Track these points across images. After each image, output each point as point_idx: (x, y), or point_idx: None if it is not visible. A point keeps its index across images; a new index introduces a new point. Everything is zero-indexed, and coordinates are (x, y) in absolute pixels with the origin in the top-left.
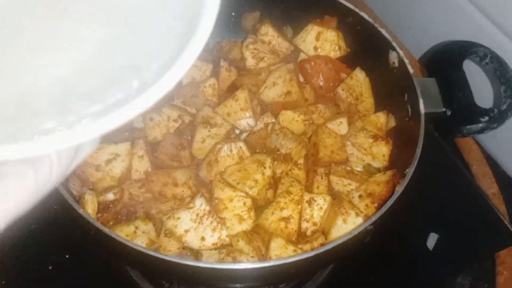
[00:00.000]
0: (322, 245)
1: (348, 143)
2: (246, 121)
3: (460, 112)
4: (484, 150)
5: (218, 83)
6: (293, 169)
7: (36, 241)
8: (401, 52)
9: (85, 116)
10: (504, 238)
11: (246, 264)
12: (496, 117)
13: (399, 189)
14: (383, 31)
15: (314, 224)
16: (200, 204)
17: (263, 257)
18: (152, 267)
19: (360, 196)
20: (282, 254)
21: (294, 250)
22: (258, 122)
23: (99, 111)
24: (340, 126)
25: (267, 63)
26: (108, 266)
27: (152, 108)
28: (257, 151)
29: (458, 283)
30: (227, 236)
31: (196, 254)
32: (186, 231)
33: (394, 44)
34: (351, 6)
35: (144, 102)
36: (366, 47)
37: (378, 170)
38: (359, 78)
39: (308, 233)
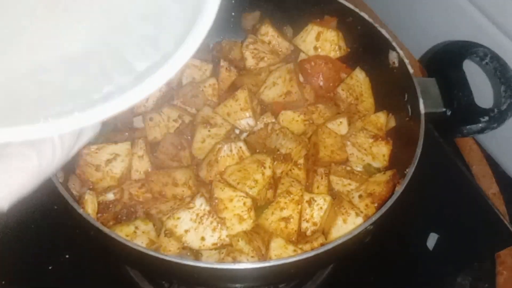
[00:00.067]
0: (322, 245)
1: (348, 143)
2: (246, 121)
3: (460, 112)
4: (484, 150)
5: (218, 83)
6: (293, 169)
7: (36, 241)
8: (401, 52)
9: (87, 102)
10: (504, 238)
11: (246, 264)
12: (496, 117)
13: (399, 189)
14: (383, 31)
15: (314, 224)
16: (200, 204)
17: (263, 257)
18: (152, 267)
19: (360, 196)
20: (282, 254)
21: (294, 250)
22: (258, 122)
23: (99, 98)
24: (340, 126)
25: (267, 63)
26: (108, 266)
27: (152, 108)
28: (257, 151)
29: (458, 283)
30: (227, 236)
31: (196, 254)
32: (186, 231)
33: (394, 44)
34: (351, 6)
35: (143, 91)
36: (366, 47)
37: (378, 170)
38: (359, 78)
39: (308, 233)
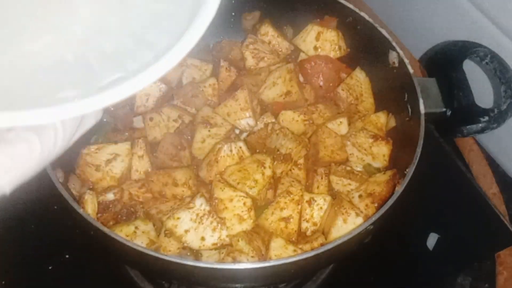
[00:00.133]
0: (322, 245)
1: (348, 143)
2: (246, 121)
3: (460, 112)
4: (484, 150)
5: (218, 83)
6: (293, 169)
7: (36, 241)
8: (401, 52)
9: (89, 89)
10: (504, 238)
11: (246, 264)
12: (496, 117)
13: (399, 189)
14: (383, 31)
15: (314, 224)
16: (200, 204)
17: (263, 257)
18: (152, 267)
19: (360, 196)
20: (282, 254)
21: (294, 250)
22: (258, 122)
23: (102, 85)
24: (340, 126)
25: (267, 63)
26: (108, 266)
27: (152, 108)
28: (257, 151)
29: (458, 283)
30: (227, 236)
31: (196, 254)
32: (186, 231)
33: (394, 44)
34: (351, 6)
35: (144, 79)
36: (366, 47)
37: (378, 170)
38: (359, 78)
39: (308, 233)
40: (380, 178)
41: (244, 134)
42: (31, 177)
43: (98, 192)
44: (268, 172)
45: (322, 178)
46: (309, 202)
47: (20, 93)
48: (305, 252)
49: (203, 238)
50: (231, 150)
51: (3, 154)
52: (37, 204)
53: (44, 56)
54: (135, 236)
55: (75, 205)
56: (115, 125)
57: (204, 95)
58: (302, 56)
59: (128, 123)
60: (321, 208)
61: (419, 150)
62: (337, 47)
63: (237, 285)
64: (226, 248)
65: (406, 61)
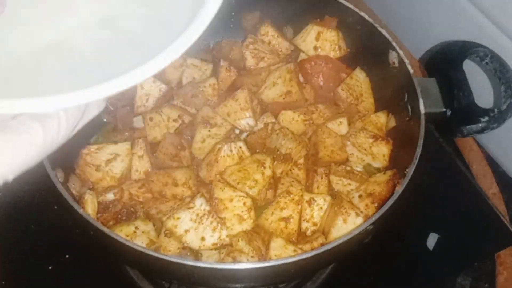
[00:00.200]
0: (322, 245)
1: (348, 143)
2: (246, 121)
3: (460, 112)
4: (484, 150)
5: (218, 83)
6: (293, 169)
7: (36, 241)
8: (401, 52)
9: (93, 79)
10: (504, 238)
11: (246, 264)
12: (496, 117)
13: (399, 189)
14: (383, 31)
15: (314, 224)
16: (200, 204)
17: (263, 257)
18: (152, 267)
19: (360, 196)
20: (282, 254)
21: (294, 250)
22: (258, 122)
23: (105, 75)
24: (340, 126)
25: (267, 63)
26: (108, 266)
27: (152, 108)
28: (257, 151)
29: (458, 283)
30: (227, 236)
31: (196, 254)
32: (186, 231)
33: (394, 44)
34: (351, 6)
35: (147, 71)
36: (366, 47)
37: (378, 170)
38: (359, 78)
39: (308, 233)
40: (380, 178)
41: (244, 134)
42: (34, 164)
43: (98, 192)
44: (268, 172)
45: (322, 178)
46: (309, 202)
47: (23, 81)
48: (305, 252)
49: (203, 238)
50: (231, 150)
51: (6, 141)
52: (37, 204)
53: (49, 45)
54: (135, 236)
55: (75, 205)
56: (115, 125)
57: (204, 95)
58: (302, 56)
59: (128, 123)
60: (321, 208)
61: (419, 150)
62: (337, 47)
63: (237, 285)
64: (226, 248)
65: (406, 61)
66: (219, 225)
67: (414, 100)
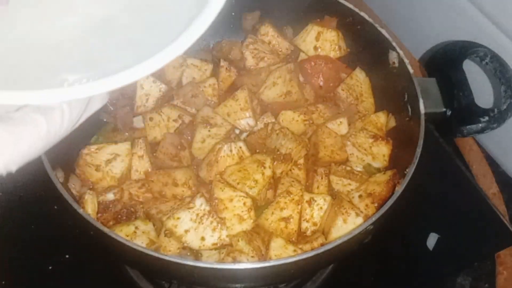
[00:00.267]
0: (322, 245)
1: (348, 143)
2: (246, 121)
3: (460, 112)
4: (484, 150)
5: (218, 83)
6: (293, 169)
7: (36, 241)
8: (401, 52)
9: (97, 72)
10: (504, 238)
11: (246, 264)
12: (496, 117)
13: (399, 189)
14: (383, 31)
15: (314, 224)
16: (200, 204)
17: (263, 257)
18: (152, 267)
19: (360, 196)
20: (282, 254)
21: (294, 250)
22: (258, 122)
23: (109, 69)
24: (340, 126)
25: (267, 63)
26: (108, 266)
27: (152, 108)
28: (257, 151)
29: (458, 283)
30: (227, 236)
31: (196, 254)
32: (186, 231)
33: (394, 44)
34: (351, 6)
35: (150, 66)
36: (366, 47)
37: (378, 170)
38: (359, 78)
39: (308, 233)
40: (380, 178)
41: (244, 134)
42: (36, 156)
43: (98, 192)
44: (268, 172)
45: (322, 178)
46: (309, 202)
47: (27, 74)
48: (305, 252)
49: (203, 238)
50: (231, 150)
51: (10, 133)
52: (37, 204)
53: (54, 37)
54: (135, 236)
55: (75, 205)
56: (115, 125)
57: (204, 95)
58: (302, 56)
59: (128, 123)
60: (321, 208)
61: (419, 150)
62: (337, 47)
63: (237, 285)
64: (226, 248)
65: (406, 61)
66: (219, 225)
67: (414, 100)
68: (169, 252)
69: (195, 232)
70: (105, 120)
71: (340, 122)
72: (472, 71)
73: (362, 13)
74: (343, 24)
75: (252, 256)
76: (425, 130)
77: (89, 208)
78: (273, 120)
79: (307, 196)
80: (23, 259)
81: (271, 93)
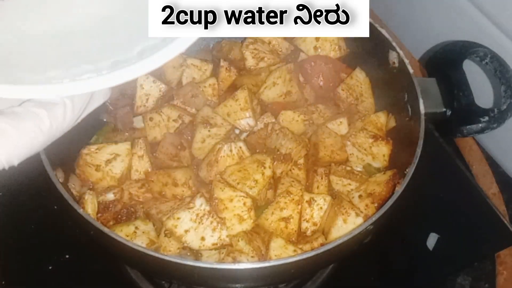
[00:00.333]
0: (322, 245)
1: (348, 143)
2: (246, 121)
3: (460, 112)
4: (484, 150)
5: (218, 83)
6: (293, 169)
7: (36, 241)
8: (401, 52)
9: (100, 68)
10: (504, 238)
11: (246, 264)
12: (496, 117)
13: (399, 189)
14: (383, 31)
15: (314, 224)
16: (200, 204)
17: (263, 257)
18: (152, 267)
19: (360, 196)
20: (282, 254)
21: (294, 250)
22: (258, 122)
23: (111, 66)
24: (340, 126)
25: (267, 63)
26: (108, 266)
27: (152, 108)
28: (257, 151)
29: (458, 283)
30: (227, 236)
31: (196, 254)
32: (186, 231)
33: (394, 44)
34: None
35: (153, 63)
36: (366, 47)
37: (378, 170)
38: (359, 78)
39: (308, 233)
40: (380, 178)
41: (244, 134)
42: (38, 150)
43: (98, 192)
44: (268, 172)
45: (322, 178)
46: (309, 202)
47: (31, 69)
48: (305, 252)
49: (203, 238)
50: (231, 150)
51: (12, 126)
52: (37, 204)
53: (57, 33)
54: (135, 236)
55: (75, 205)
56: (115, 125)
57: (204, 95)
58: (302, 56)
59: (128, 123)
60: (321, 208)
61: (419, 150)
62: (337, 47)
63: (237, 285)
64: (226, 248)
65: (406, 61)
66: (219, 225)
67: (414, 100)
68: (169, 252)
69: (195, 232)
70: (105, 120)
71: (340, 122)
72: (472, 71)
73: None
74: None
75: (252, 256)
76: (425, 130)
77: (89, 208)
78: (273, 120)
79: (307, 196)
80: (23, 259)
81: (271, 93)
